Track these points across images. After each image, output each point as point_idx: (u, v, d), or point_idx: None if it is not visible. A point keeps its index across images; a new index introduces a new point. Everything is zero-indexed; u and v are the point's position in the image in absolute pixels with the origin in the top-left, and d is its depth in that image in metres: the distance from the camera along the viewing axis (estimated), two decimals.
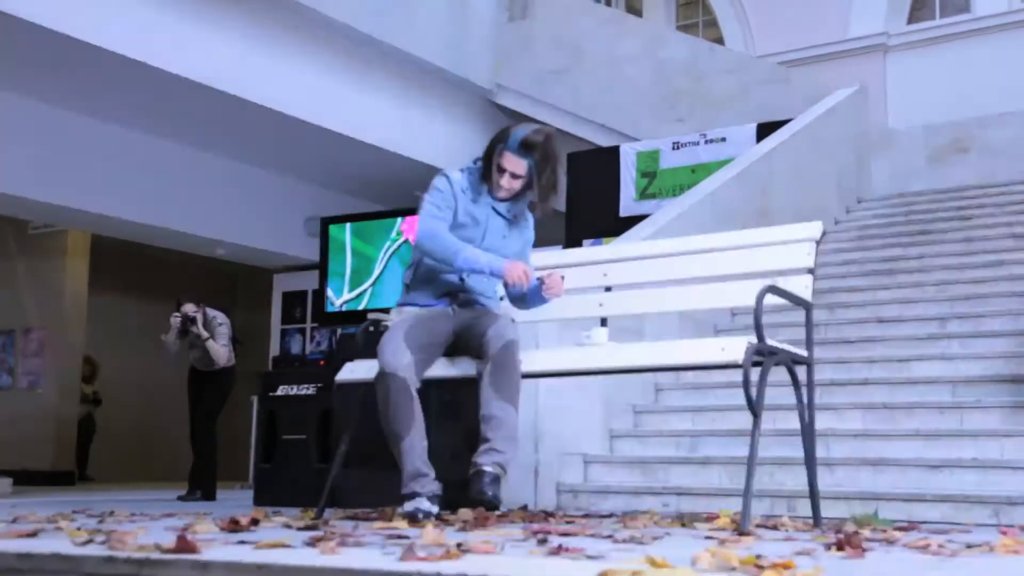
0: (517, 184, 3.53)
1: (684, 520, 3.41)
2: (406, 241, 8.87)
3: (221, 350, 6.94)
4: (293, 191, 10.46)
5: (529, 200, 3.62)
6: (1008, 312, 5.54)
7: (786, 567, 1.86)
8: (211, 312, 7.10)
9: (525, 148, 3.48)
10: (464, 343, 3.48)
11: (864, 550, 2.37)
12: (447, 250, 3.42)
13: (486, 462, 3.18)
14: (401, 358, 3.29)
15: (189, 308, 6.97)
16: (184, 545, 2.11)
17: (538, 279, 3.55)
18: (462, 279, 3.55)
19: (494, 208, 3.60)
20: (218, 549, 2.20)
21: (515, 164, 3.49)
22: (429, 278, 3.57)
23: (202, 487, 6.82)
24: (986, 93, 9.67)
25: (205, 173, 9.63)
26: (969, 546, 2.54)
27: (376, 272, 9.08)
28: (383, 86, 9.59)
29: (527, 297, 3.65)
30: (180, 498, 6.65)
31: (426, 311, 3.54)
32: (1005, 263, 6.33)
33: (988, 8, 10.45)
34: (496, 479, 3.17)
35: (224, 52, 8.08)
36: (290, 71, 8.63)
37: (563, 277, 3.58)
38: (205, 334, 6.90)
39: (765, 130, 8.36)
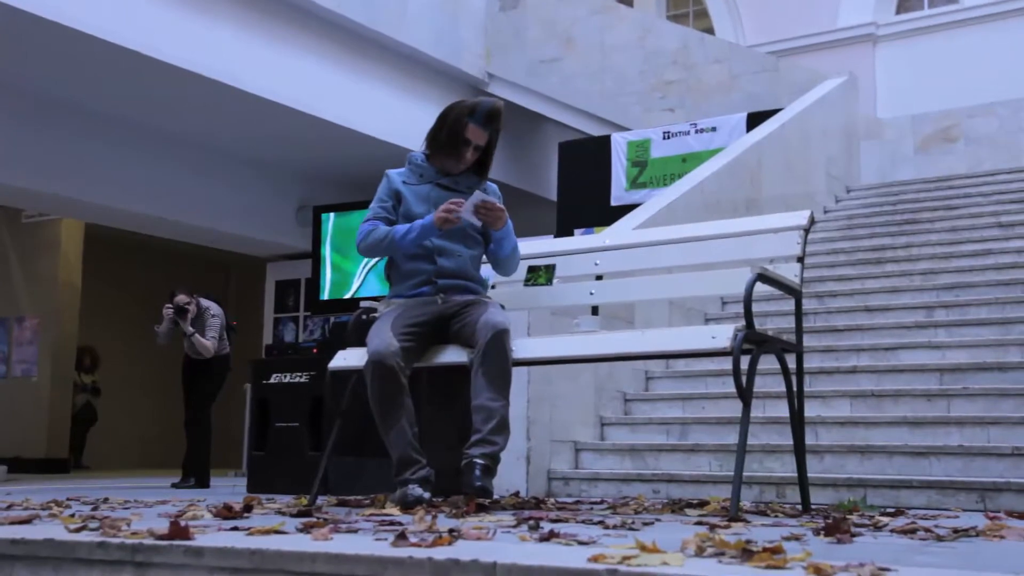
0: (474, 156, 3.64)
1: (674, 506, 3.44)
2: None
3: (207, 343, 6.93)
4: (285, 180, 10.45)
5: (483, 184, 3.66)
6: (994, 300, 5.59)
7: (775, 551, 1.88)
8: (204, 303, 7.10)
9: (490, 120, 3.61)
10: (455, 331, 3.49)
11: (852, 535, 2.40)
12: (381, 243, 3.54)
13: (477, 453, 3.19)
14: (389, 345, 3.31)
15: (181, 299, 6.97)
16: (177, 531, 2.12)
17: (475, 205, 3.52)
18: (435, 261, 3.56)
19: (437, 183, 3.66)
20: (211, 535, 2.21)
21: (479, 136, 3.60)
22: (403, 269, 3.61)
23: (196, 475, 6.83)
24: (974, 83, 9.72)
25: (198, 162, 9.61)
26: (955, 531, 2.57)
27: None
28: (375, 75, 9.58)
29: (497, 242, 3.65)
30: (174, 485, 6.67)
31: (413, 300, 3.55)
32: (991, 252, 6.37)
33: None
34: (488, 470, 3.20)
35: (217, 41, 8.07)
36: (283, 60, 8.62)
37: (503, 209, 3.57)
38: (190, 330, 6.90)
39: (755, 119, 8.39)
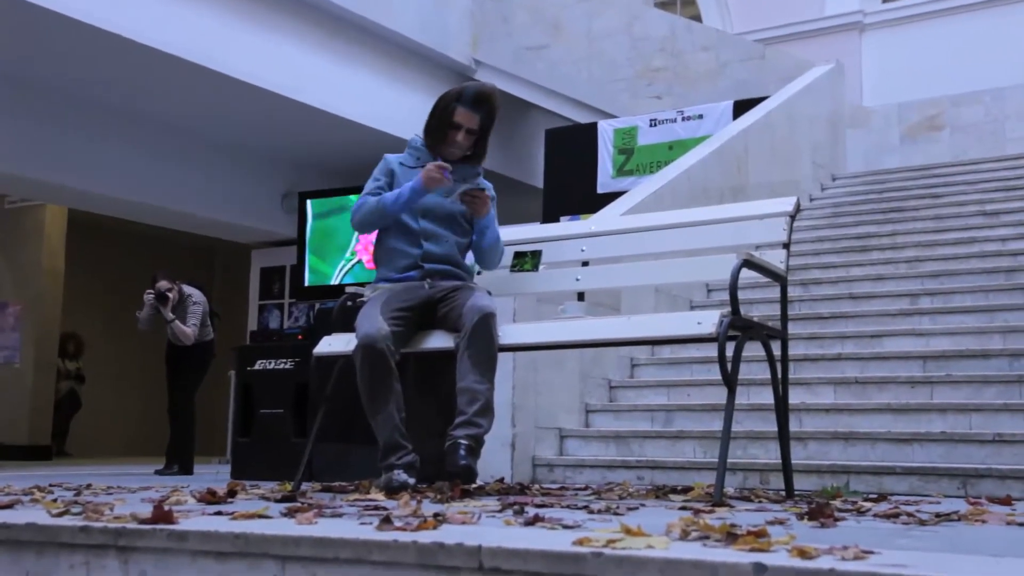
0: (469, 140, 3.65)
1: (658, 492, 3.44)
2: None
3: (187, 330, 6.89)
4: (270, 166, 10.40)
5: (472, 164, 3.70)
6: (978, 288, 5.62)
7: (760, 535, 1.89)
8: (187, 289, 7.06)
9: (478, 102, 3.62)
10: (441, 315, 3.49)
11: (836, 520, 2.41)
12: (374, 211, 3.57)
13: (462, 435, 3.20)
14: (380, 329, 3.31)
15: (163, 284, 6.92)
16: (160, 515, 2.12)
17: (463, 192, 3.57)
18: (420, 244, 3.57)
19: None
20: (195, 519, 2.21)
21: (469, 119, 3.62)
22: (391, 254, 3.62)
23: (180, 462, 6.81)
24: (959, 72, 9.75)
25: (182, 148, 9.55)
26: (937, 515, 2.59)
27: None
28: (361, 61, 9.53)
29: (479, 231, 3.66)
30: (158, 472, 6.65)
31: (401, 284, 3.55)
32: (976, 240, 6.40)
33: None
34: (472, 451, 3.20)
35: (202, 26, 8.01)
36: (268, 46, 8.57)
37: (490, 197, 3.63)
38: (170, 316, 6.86)
39: (742, 107, 8.39)
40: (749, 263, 3.20)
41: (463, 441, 3.17)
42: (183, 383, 7.01)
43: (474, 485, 3.33)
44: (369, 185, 3.68)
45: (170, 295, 6.89)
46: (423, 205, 3.59)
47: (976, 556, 1.77)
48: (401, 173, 3.67)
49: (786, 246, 3.49)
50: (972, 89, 9.47)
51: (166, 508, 2.19)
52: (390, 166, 3.70)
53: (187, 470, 6.75)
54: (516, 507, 2.54)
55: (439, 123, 3.64)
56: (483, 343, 3.28)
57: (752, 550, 1.72)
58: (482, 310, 3.31)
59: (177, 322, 6.88)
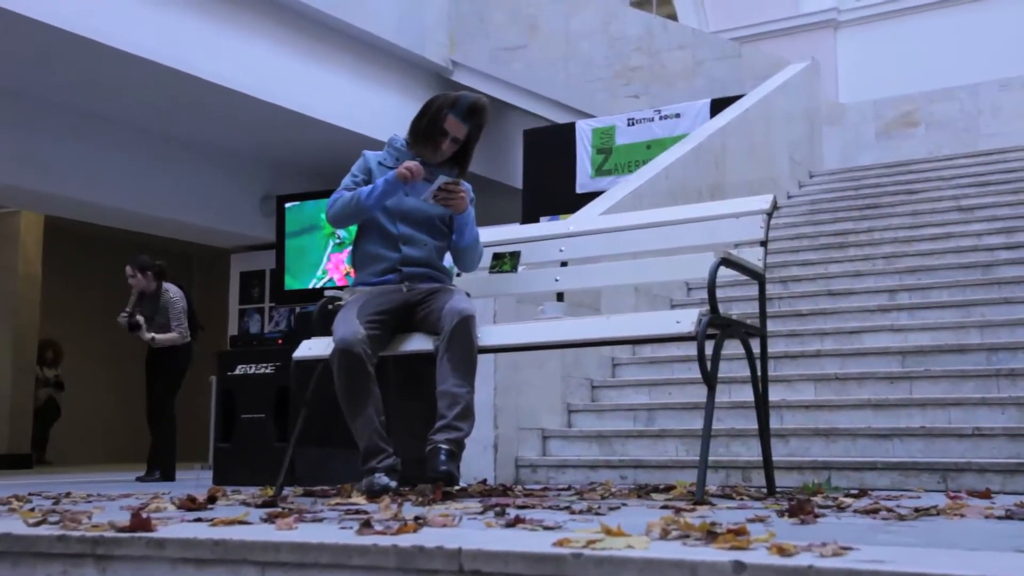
0: (451, 148, 3.63)
1: (640, 491, 3.45)
2: None
3: (173, 335, 6.81)
4: (248, 170, 10.36)
5: (455, 171, 3.68)
6: (955, 283, 5.66)
7: (740, 533, 1.89)
8: (171, 293, 6.91)
9: (471, 114, 3.60)
10: (420, 318, 3.48)
11: (816, 516, 2.42)
12: (348, 205, 3.54)
13: (442, 439, 3.19)
14: (356, 333, 3.29)
15: (130, 322, 6.83)
16: (139, 523, 2.10)
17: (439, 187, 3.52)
18: (399, 249, 3.55)
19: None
20: (174, 527, 2.19)
21: (458, 129, 3.60)
22: (368, 257, 3.60)
23: (161, 468, 6.76)
24: (934, 68, 9.83)
25: (159, 152, 9.49)
26: (917, 510, 2.60)
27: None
28: (338, 63, 9.51)
29: (458, 230, 3.65)
30: (139, 479, 6.60)
31: (378, 288, 3.54)
32: (952, 236, 6.45)
33: None
34: (452, 455, 3.19)
35: (177, 29, 7.96)
36: (244, 48, 8.53)
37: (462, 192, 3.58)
38: (147, 336, 6.79)
39: (719, 105, 8.42)
40: (727, 261, 3.21)
41: (443, 446, 3.16)
42: (162, 389, 6.94)
43: (456, 488, 3.32)
44: (345, 180, 3.64)
45: (140, 324, 6.79)
46: (401, 209, 3.58)
47: (954, 550, 1.78)
48: (379, 172, 3.64)
49: (763, 244, 3.50)
50: (946, 85, 9.55)
51: (144, 516, 2.17)
52: (369, 164, 3.67)
53: (169, 476, 6.70)
54: (497, 509, 2.53)
55: (428, 128, 3.61)
56: (462, 346, 3.27)
57: (732, 548, 1.72)
58: (461, 312, 3.30)
59: (158, 337, 6.80)
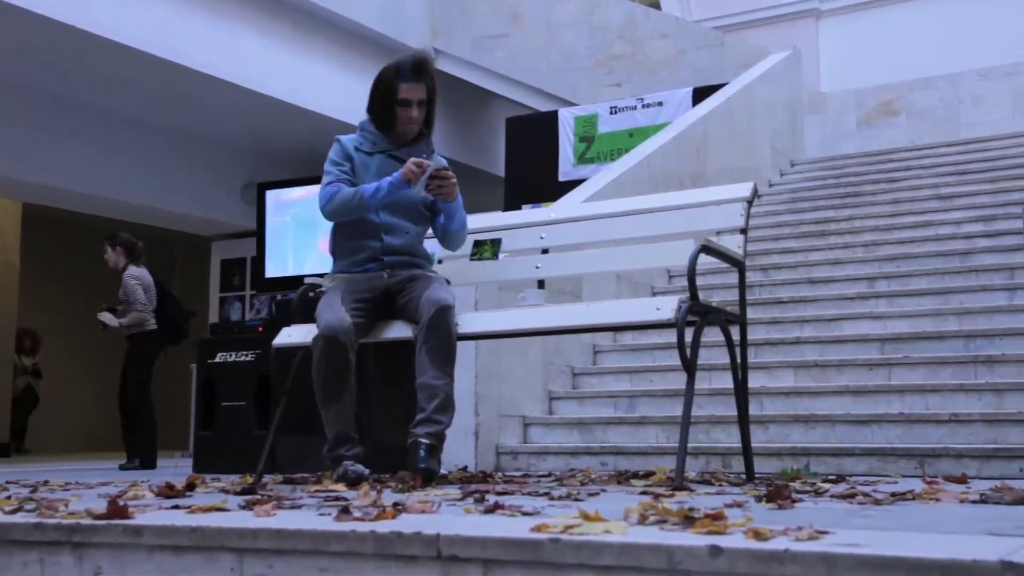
0: (421, 112, 3.54)
1: (620, 478, 3.46)
2: None
3: (134, 315, 6.74)
4: (229, 157, 10.30)
5: (426, 136, 3.61)
6: (934, 271, 5.69)
7: (717, 517, 1.90)
8: (130, 276, 6.84)
9: (418, 71, 3.51)
10: (400, 306, 3.47)
11: (793, 501, 2.44)
12: (349, 203, 3.45)
13: (422, 433, 3.18)
14: (342, 321, 3.27)
15: (105, 318, 6.79)
16: (115, 510, 2.09)
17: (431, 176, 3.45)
18: (381, 238, 3.51)
19: (392, 155, 3.57)
20: (151, 514, 2.18)
21: (415, 91, 3.49)
22: (349, 247, 3.56)
23: (141, 456, 6.72)
24: (915, 57, 9.86)
25: (140, 140, 9.43)
26: (893, 495, 2.63)
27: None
28: (320, 51, 9.46)
29: (448, 215, 3.60)
30: (121, 467, 6.57)
31: (359, 275, 3.52)
32: (931, 224, 6.48)
33: None
34: (432, 450, 3.19)
35: (159, 16, 7.90)
36: (226, 36, 8.47)
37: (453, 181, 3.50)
38: (116, 323, 6.75)
39: (701, 94, 8.43)
40: (707, 249, 3.22)
41: (424, 440, 3.16)
42: (134, 381, 6.88)
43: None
44: (333, 171, 3.54)
45: (107, 322, 6.76)
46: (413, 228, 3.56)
47: (927, 534, 1.79)
48: (358, 158, 3.56)
49: (744, 231, 3.51)
50: (927, 75, 9.59)
51: (122, 503, 2.16)
52: (347, 150, 3.57)
53: (150, 464, 6.67)
54: (477, 495, 2.54)
55: (384, 105, 3.52)
56: (440, 337, 3.26)
57: (709, 533, 1.73)
58: (438, 303, 3.28)
59: (122, 321, 6.75)
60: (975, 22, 9.93)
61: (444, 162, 3.63)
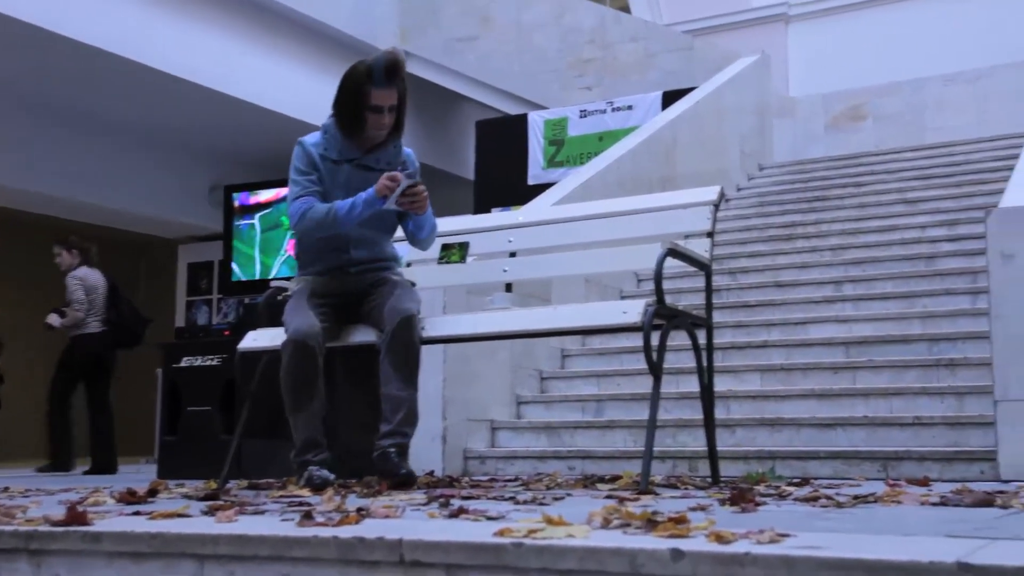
0: (391, 118, 3.38)
1: (586, 482, 3.46)
2: None
3: (70, 315, 6.68)
4: (197, 160, 10.22)
5: (394, 140, 3.47)
6: (900, 275, 5.74)
7: (680, 521, 1.91)
8: (75, 276, 6.77)
9: (391, 75, 3.34)
10: (365, 312, 3.45)
11: (757, 504, 2.45)
12: (324, 222, 3.32)
13: (389, 444, 3.17)
14: (312, 326, 3.24)
15: (52, 318, 6.73)
16: (74, 517, 2.06)
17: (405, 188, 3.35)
18: (348, 251, 3.44)
19: (360, 163, 3.45)
20: (111, 520, 2.16)
21: (387, 96, 3.33)
22: (316, 256, 3.48)
23: (56, 459, 6.64)
24: (881, 63, 9.97)
25: (106, 141, 9.34)
26: (856, 497, 2.64)
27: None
28: (289, 53, 9.41)
29: (417, 225, 3.54)
30: (85, 473, 6.50)
31: (326, 275, 3.48)
32: (897, 228, 6.54)
33: None
34: (402, 454, 3.19)
35: (126, 17, 7.83)
36: (194, 37, 8.41)
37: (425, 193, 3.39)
38: (57, 324, 6.69)
39: (670, 98, 8.47)
40: (674, 252, 3.23)
41: (392, 450, 3.15)
42: (55, 377, 6.83)
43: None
44: (301, 181, 3.37)
45: (52, 323, 6.70)
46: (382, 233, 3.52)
47: (887, 536, 1.81)
48: (325, 169, 3.42)
49: (710, 235, 3.52)
50: (893, 80, 9.69)
51: (80, 510, 2.14)
52: (313, 158, 3.41)
53: (108, 469, 6.59)
54: (442, 500, 2.53)
55: (354, 110, 3.34)
56: (404, 347, 3.23)
57: (671, 536, 1.74)
58: (402, 312, 3.23)
59: (64, 321, 6.69)
60: (941, 28, 10.06)
61: (416, 164, 3.58)
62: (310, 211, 3.34)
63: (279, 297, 3.58)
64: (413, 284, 3.54)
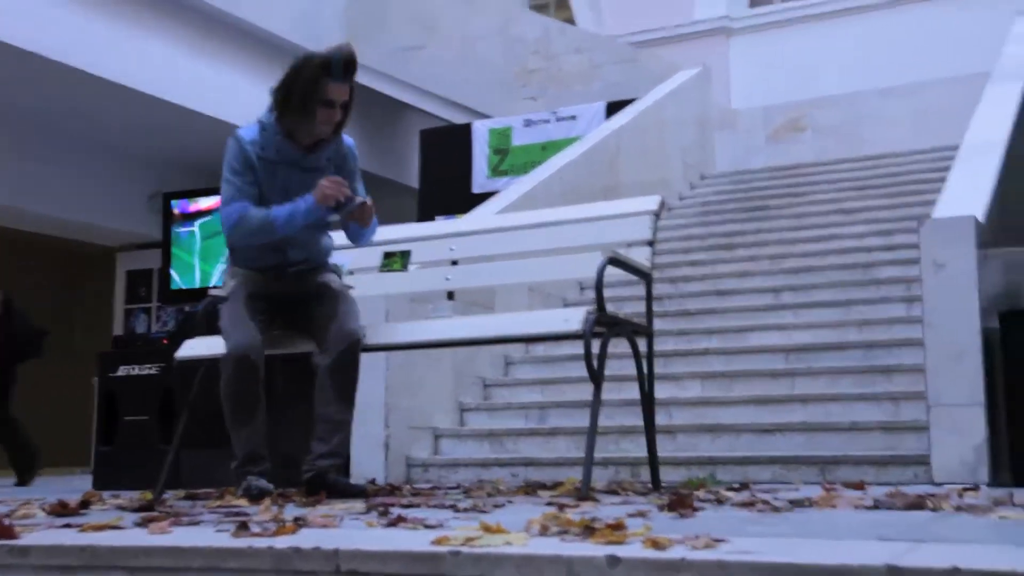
0: (341, 114, 3.26)
1: (528, 489, 3.46)
2: None
3: None
4: (136, 167, 10.04)
5: (336, 137, 3.36)
6: (838, 283, 5.84)
7: (617, 527, 1.92)
8: None
9: (348, 70, 3.22)
10: (304, 323, 3.36)
11: (695, 510, 2.47)
12: (259, 231, 3.24)
13: (330, 464, 3.14)
14: (253, 339, 3.17)
15: None
16: (1, 530, 2.01)
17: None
18: (285, 252, 3.36)
19: (297, 164, 3.32)
20: (40, 533, 2.11)
21: (341, 91, 3.22)
22: (251, 256, 3.38)
23: (17, 473, 6.51)
24: (820, 76, 10.17)
25: (42, 147, 9.14)
26: (792, 502, 2.68)
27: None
28: (232, 60, 9.31)
29: (359, 232, 3.48)
30: (16, 485, 6.37)
31: (260, 273, 3.37)
32: (834, 237, 6.65)
33: None
34: (339, 474, 3.19)
35: (63, 22, 7.69)
36: (134, 43, 8.28)
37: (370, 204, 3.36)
38: None
39: (614, 108, 8.54)
40: (614, 261, 3.25)
41: (331, 471, 3.13)
42: None
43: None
44: (235, 183, 3.23)
45: None
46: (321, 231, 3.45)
47: (821, 540, 1.83)
48: (262, 169, 3.29)
49: (651, 244, 3.55)
50: (831, 93, 9.89)
51: (7, 523, 2.08)
52: (249, 158, 3.25)
53: (22, 482, 6.45)
54: (381, 508, 2.51)
55: (306, 102, 3.18)
56: (349, 372, 3.21)
57: (608, 543, 1.75)
58: (350, 336, 3.19)
59: None
60: (877, 44, 10.29)
61: (356, 153, 3.46)
62: (245, 218, 3.23)
63: (219, 305, 3.52)
64: (350, 288, 3.49)
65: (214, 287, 5.03)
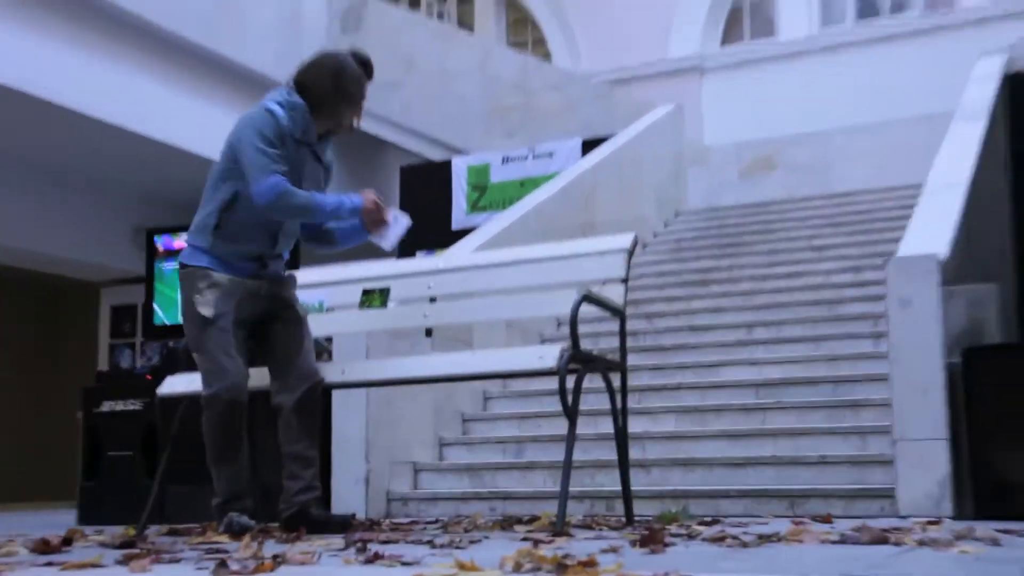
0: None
1: (504, 523, 3.53)
2: None
3: None
4: (121, 202, 10.09)
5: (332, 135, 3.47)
6: (808, 319, 5.96)
7: (589, 564, 1.99)
8: None
9: (370, 73, 3.43)
10: (264, 343, 3.39)
11: (667, 545, 2.55)
12: (300, 211, 3.25)
13: (310, 498, 3.23)
14: (244, 377, 3.24)
15: None
16: None
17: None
18: (275, 242, 3.36)
19: (313, 151, 3.41)
20: (21, 572, 2.15)
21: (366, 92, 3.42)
22: (239, 236, 3.31)
23: None
24: (791, 114, 10.38)
25: (27, 183, 9.17)
26: (761, 537, 2.76)
27: None
28: (214, 96, 9.39)
29: (350, 241, 3.59)
30: None
31: (238, 283, 3.31)
32: (804, 274, 6.78)
33: (792, 34, 11.24)
34: (319, 503, 3.28)
35: (48, 59, 7.75)
36: (117, 80, 8.35)
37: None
38: None
39: (590, 145, 8.67)
40: (588, 298, 3.34)
41: (313, 505, 3.21)
42: None
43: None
44: (271, 154, 3.18)
45: None
46: (300, 230, 3.50)
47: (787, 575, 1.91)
48: (294, 149, 3.28)
49: (624, 281, 3.64)
50: (801, 131, 10.09)
51: None
52: (283, 133, 3.25)
53: None
54: (359, 544, 2.57)
55: (345, 100, 3.33)
56: (314, 412, 3.31)
57: None
58: (314, 377, 3.31)
59: None
60: (845, 82, 10.52)
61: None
62: (290, 192, 3.18)
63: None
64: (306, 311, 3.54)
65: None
